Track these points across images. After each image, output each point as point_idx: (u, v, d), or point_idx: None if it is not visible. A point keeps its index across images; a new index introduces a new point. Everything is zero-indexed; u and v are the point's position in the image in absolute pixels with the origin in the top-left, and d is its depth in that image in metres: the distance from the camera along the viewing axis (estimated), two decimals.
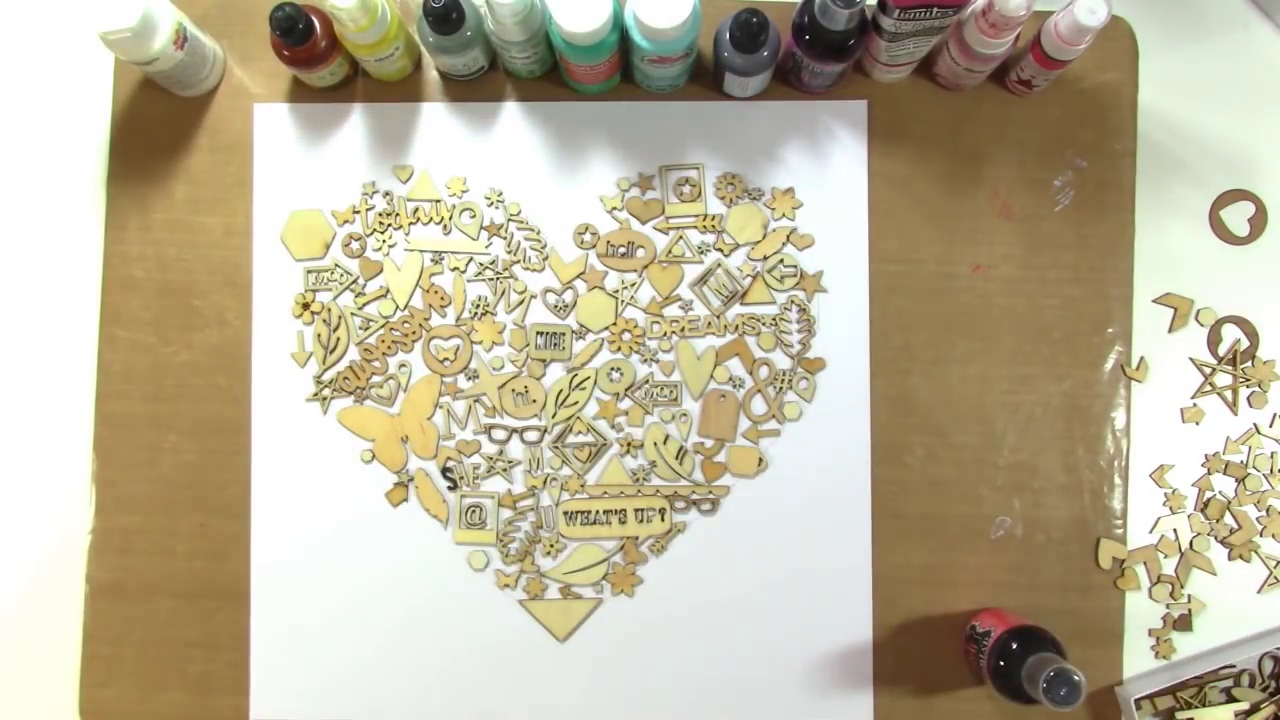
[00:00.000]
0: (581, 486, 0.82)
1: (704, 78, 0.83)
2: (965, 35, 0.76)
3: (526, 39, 0.75)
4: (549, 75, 0.83)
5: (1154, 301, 0.83)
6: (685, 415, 0.82)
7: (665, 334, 0.82)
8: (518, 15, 0.72)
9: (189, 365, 0.82)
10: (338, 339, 0.82)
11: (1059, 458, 0.82)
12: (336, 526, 0.82)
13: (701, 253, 0.82)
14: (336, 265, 0.83)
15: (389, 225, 0.83)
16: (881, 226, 0.83)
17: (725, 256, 0.82)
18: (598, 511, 0.81)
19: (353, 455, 0.82)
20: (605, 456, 0.82)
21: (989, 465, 0.82)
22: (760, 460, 0.82)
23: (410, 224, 0.83)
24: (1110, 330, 0.82)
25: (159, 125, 0.84)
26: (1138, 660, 0.81)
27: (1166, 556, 0.82)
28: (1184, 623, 0.81)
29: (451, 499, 0.82)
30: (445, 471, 0.82)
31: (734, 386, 0.82)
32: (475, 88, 0.83)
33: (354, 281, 0.83)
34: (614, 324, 0.82)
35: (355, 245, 0.83)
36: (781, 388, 0.82)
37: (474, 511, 0.81)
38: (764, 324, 0.82)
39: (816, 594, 0.81)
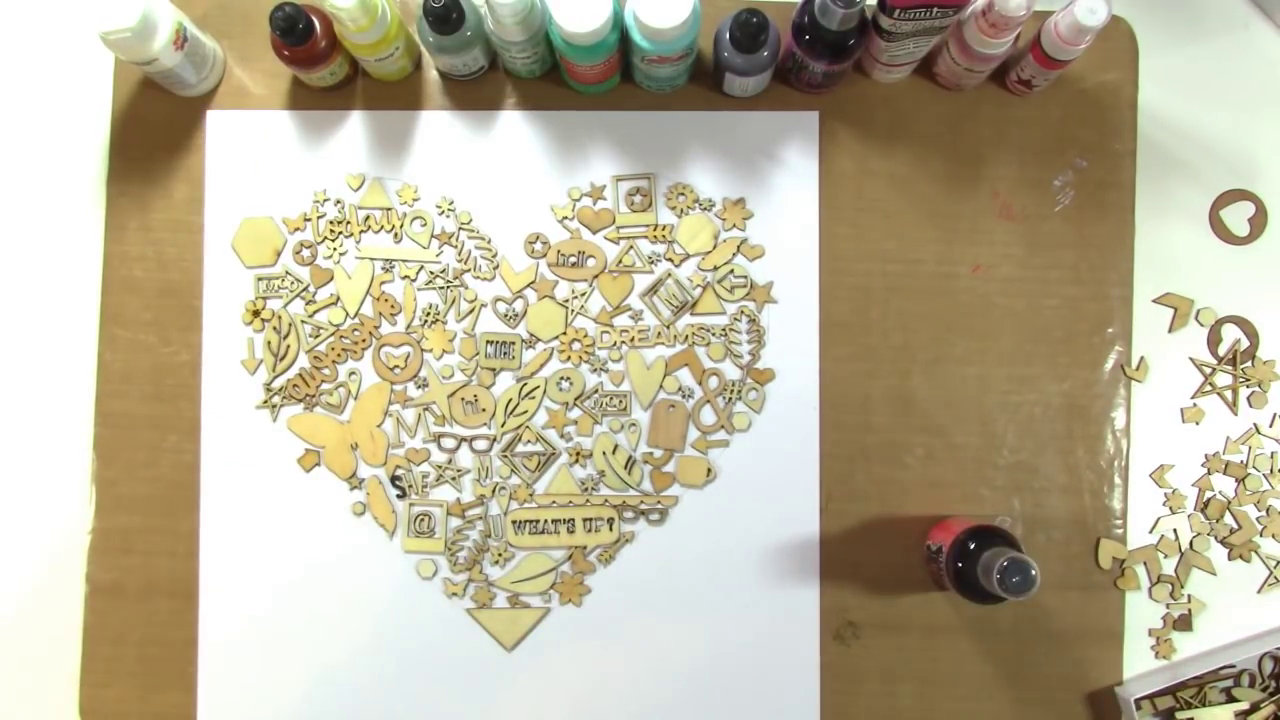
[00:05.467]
0: (530, 496, 0.81)
1: (704, 78, 0.83)
2: (965, 35, 0.76)
3: (526, 39, 0.75)
4: (549, 75, 0.83)
5: (1154, 301, 0.83)
6: (634, 425, 0.82)
7: (615, 344, 0.82)
8: (518, 15, 0.73)
9: (189, 365, 0.82)
10: (288, 346, 0.82)
11: (1059, 458, 0.82)
12: (285, 534, 0.82)
13: (652, 263, 0.82)
14: (287, 273, 0.82)
15: (340, 233, 0.82)
16: (882, 226, 0.83)
17: (676, 267, 0.82)
18: (546, 521, 0.81)
19: (302, 462, 0.82)
20: (554, 466, 0.82)
21: (989, 465, 0.82)
22: (709, 470, 0.81)
23: (361, 232, 0.83)
24: (1110, 330, 0.82)
25: (159, 125, 0.84)
26: (1138, 660, 0.81)
27: (1166, 556, 0.82)
28: (1184, 623, 0.81)
29: (400, 507, 0.82)
30: (394, 480, 0.82)
31: (683, 397, 0.82)
32: (475, 88, 0.83)
33: (304, 289, 0.82)
34: (564, 333, 0.82)
35: (306, 253, 0.83)
36: (731, 398, 0.82)
37: (423, 520, 0.81)
38: (714, 334, 0.82)
39: (764, 604, 0.81)
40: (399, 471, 0.82)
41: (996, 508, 0.82)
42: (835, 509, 0.81)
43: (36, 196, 0.84)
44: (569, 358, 0.82)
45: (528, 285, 0.82)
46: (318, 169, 0.83)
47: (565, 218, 0.83)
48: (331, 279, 0.82)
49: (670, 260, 0.82)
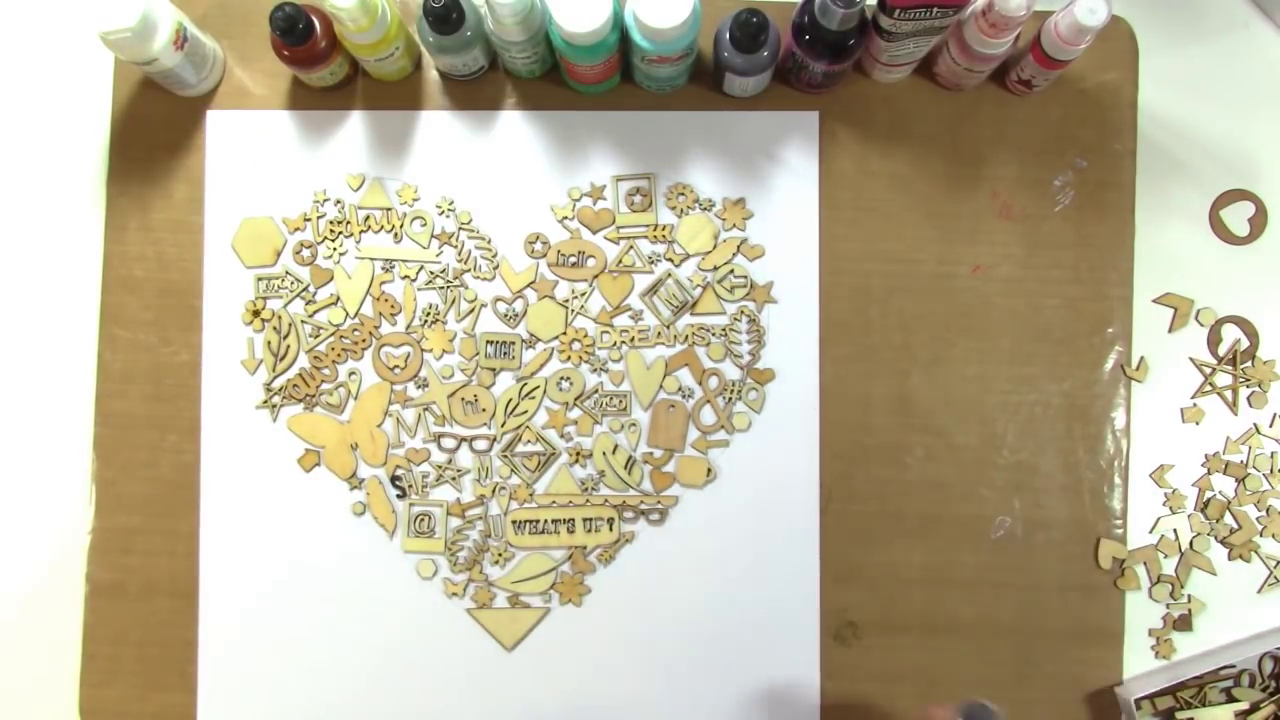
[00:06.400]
0: (530, 496, 0.81)
1: (704, 78, 0.83)
2: (965, 35, 0.76)
3: (526, 39, 0.75)
4: (549, 75, 0.83)
5: (1154, 301, 0.83)
6: (634, 425, 0.82)
7: (615, 344, 0.82)
8: (518, 15, 0.73)
9: (189, 365, 0.82)
10: (288, 346, 0.82)
11: (1059, 458, 0.82)
12: (285, 534, 0.82)
13: (652, 263, 0.82)
14: (287, 273, 0.82)
15: (340, 233, 0.82)
16: (881, 227, 0.83)
17: (675, 267, 0.82)
18: (546, 521, 0.81)
19: (302, 462, 0.82)
20: (554, 466, 0.82)
21: (989, 465, 0.82)
22: (709, 471, 0.81)
23: (361, 232, 0.83)
24: (1110, 330, 0.82)
25: (159, 125, 0.84)
26: (1138, 660, 0.81)
27: (1166, 556, 0.82)
28: (1184, 623, 0.81)
29: (400, 507, 0.82)
30: (394, 480, 0.82)
31: (683, 397, 0.82)
32: (475, 88, 0.83)
33: (304, 289, 0.82)
34: (564, 333, 0.82)
35: (306, 253, 0.83)
36: (731, 398, 0.82)
37: (423, 520, 0.81)
38: (714, 334, 0.82)
39: (764, 604, 0.81)
40: (399, 471, 0.82)
41: (996, 508, 0.82)
42: (835, 509, 0.81)
43: (36, 196, 0.84)
44: (569, 358, 0.82)
45: (528, 285, 0.82)
46: (318, 169, 0.83)
47: (565, 218, 0.83)
48: (331, 279, 0.82)
49: (670, 260, 0.82)
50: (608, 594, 0.81)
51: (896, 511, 0.82)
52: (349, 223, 0.83)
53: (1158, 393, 0.83)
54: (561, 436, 0.82)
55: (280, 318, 0.82)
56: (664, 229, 0.82)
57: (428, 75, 0.84)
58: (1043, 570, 0.81)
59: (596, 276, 0.82)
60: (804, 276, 0.82)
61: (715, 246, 0.82)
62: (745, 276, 0.82)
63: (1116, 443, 0.82)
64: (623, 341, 0.82)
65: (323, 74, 0.80)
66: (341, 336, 0.82)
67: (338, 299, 0.82)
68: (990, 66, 0.79)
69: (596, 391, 0.82)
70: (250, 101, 0.84)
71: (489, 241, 0.82)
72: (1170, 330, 0.83)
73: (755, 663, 0.81)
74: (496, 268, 0.82)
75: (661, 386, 0.82)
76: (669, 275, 0.82)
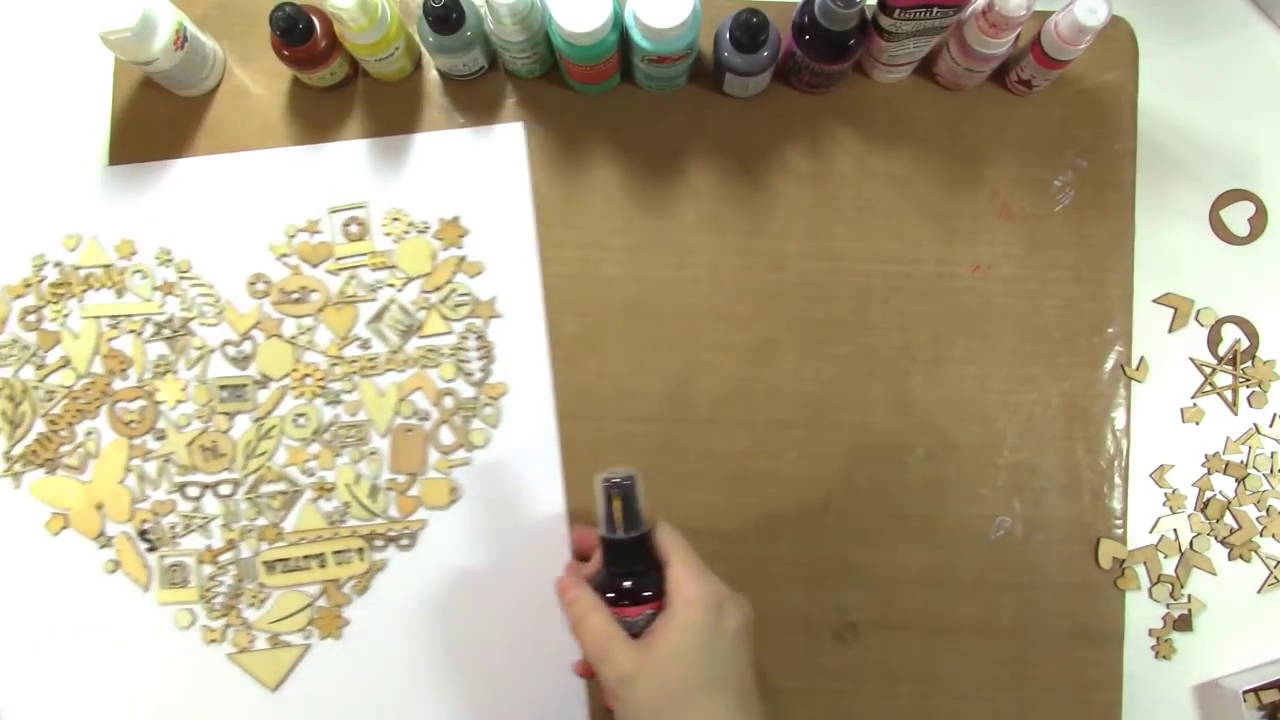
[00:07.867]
0: (279, 535, 0.81)
1: (704, 78, 0.83)
2: (965, 35, 0.76)
3: (526, 39, 0.75)
4: (549, 75, 0.83)
5: (1154, 301, 0.83)
6: (375, 453, 0.81)
7: (346, 374, 0.81)
8: (518, 15, 0.73)
9: None
10: (23, 413, 0.81)
11: (1059, 458, 0.82)
12: (38, 601, 0.80)
13: (374, 290, 0.82)
14: (15, 340, 0.82)
15: (62, 295, 0.82)
16: (881, 227, 0.83)
17: (399, 291, 0.82)
18: (297, 558, 0.81)
19: (50, 526, 0.81)
20: (299, 503, 0.81)
21: (989, 465, 0.82)
22: (453, 490, 0.81)
23: (83, 291, 0.82)
24: (1110, 330, 0.82)
25: (159, 125, 0.84)
26: (1138, 660, 0.81)
27: (1166, 556, 0.82)
28: (1184, 623, 0.81)
29: (152, 560, 0.81)
30: (143, 533, 0.81)
31: (420, 420, 0.81)
32: (475, 88, 0.83)
33: (33, 354, 0.82)
34: (294, 370, 0.81)
35: (31, 318, 0.82)
36: (467, 416, 0.81)
37: (176, 570, 0.81)
38: (444, 355, 0.82)
39: (520, 616, 0.80)
40: (147, 525, 0.81)
41: (996, 508, 0.82)
42: (835, 509, 0.81)
43: (36, 196, 0.84)
44: (302, 393, 0.81)
45: (254, 326, 0.82)
46: (32, 233, 0.82)
47: (284, 255, 0.82)
48: (59, 341, 0.82)
49: (393, 285, 0.82)
50: (367, 623, 0.80)
51: (896, 511, 0.81)
52: (70, 284, 0.82)
53: (1158, 393, 0.83)
54: (303, 473, 0.81)
55: (12, 385, 0.82)
56: (383, 255, 0.82)
57: (428, 75, 0.84)
58: (1042, 570, 0.81)
59: (321, 310, 0.82)
60: (526, 287, 0.82)
61: (434, 267, 0.82)
62: (468, 294, 0.82)
63: (1116, 443, 0.82)
64: (354, 371, 0.81)
65: (323, 74, 0.80)
66: (75, 397, 0.81)
67: (67, 360, 0.82)
68: (990, 66, 0.79)
69: (333, 424, 0.81)
70: (250, 101, 0.84)
71: (212, 287, 0.82)
72: (1170, 330, 0.83)
73: (519, 675, 0.79)
74: (221, 312, 0.82)
75: (397, 412, 0.81)
76: (392, 301, 0.82)
